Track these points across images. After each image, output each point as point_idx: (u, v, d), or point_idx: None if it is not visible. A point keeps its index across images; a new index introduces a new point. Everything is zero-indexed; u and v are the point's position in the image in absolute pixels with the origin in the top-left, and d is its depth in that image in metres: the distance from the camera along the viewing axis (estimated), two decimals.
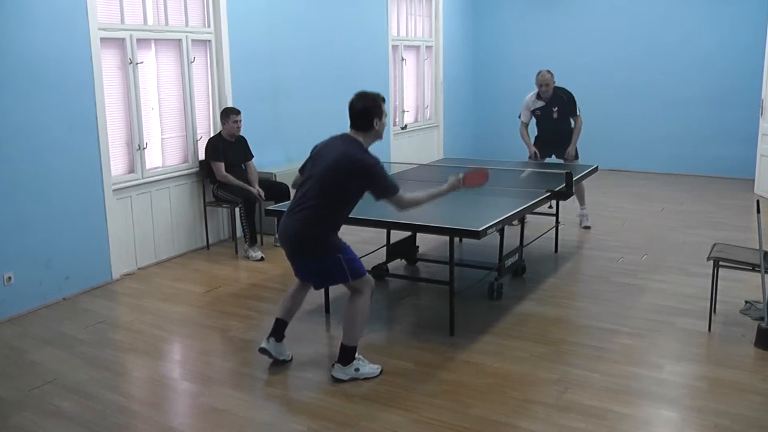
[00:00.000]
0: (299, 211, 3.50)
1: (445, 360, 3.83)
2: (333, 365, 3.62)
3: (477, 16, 10.80)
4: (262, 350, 3.76)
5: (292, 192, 3.77)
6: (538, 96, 6.52)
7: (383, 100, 3.57)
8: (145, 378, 3.81)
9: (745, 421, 3.13)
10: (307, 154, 3.70)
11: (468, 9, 10.63)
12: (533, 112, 6.60)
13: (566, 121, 6.56)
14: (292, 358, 3.86)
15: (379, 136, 3.58)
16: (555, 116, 6.49)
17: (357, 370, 3.59)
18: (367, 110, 3.50)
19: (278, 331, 3.79)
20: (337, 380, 3.58)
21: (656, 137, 9.69)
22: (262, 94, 6.68)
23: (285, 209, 3.73)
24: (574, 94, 6.53)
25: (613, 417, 3.19)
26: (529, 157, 6.62)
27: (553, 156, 6.74)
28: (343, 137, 3.58)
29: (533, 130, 6.76)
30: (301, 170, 3.71)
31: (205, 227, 6.21)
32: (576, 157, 6.63)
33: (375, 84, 8.30)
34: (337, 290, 4.71)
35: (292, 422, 3.22)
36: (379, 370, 3.65)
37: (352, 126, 3.57)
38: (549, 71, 6.45)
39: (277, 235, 3.75)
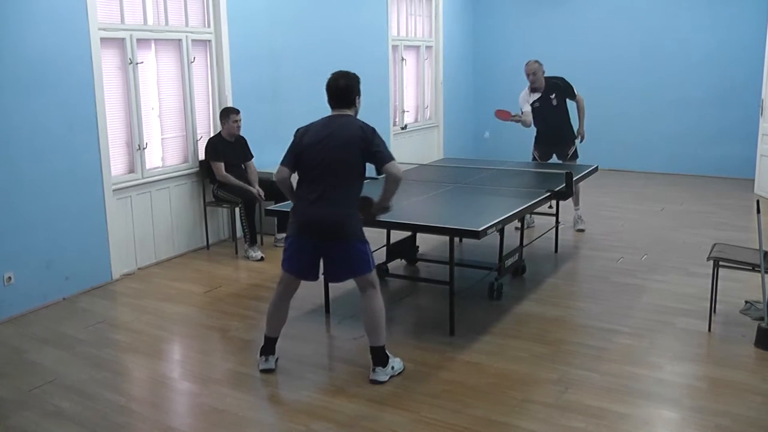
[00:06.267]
0: (329, 196, 3.41)
1: (445, 360, 3.83)
2: (374, 370, 3.53)
3: (477, 16, 10.80)
4: (266, 371, 3.69)
5: (290, 183, 3.62)
6: (532, 89, 6.47)
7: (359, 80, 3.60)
8: (145, 378, 3.81)
9: (745, 421, 3.13)
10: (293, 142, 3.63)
11: (468, 9, 10.63)
12: (532, 105, 6.50)
13: (565, 108, 6.51)
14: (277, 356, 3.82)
15: (357, 113, 3.61)
16: (554, 103, 6.42)
17: (393, 367, 3.60)
18: (350, 88, 3.53)
19: (271, 347, 3.72)
20: (377, 383, 3.51)
21: (656, 137, 9.68)
22: (262, 94, 6.68)
23: (288, 208, 3.69)
24: (567, 80, 6.49)
25: (613, 417, 3.19)
26: (514, 115, 6.40)
27: (554, 156, 6.71)
28: (336, 116, 3.55)
29: (532, 131, 6.69)
30: (288, 162, 3.60)
31: (205, 227, 6.21)
32: (575, 156, 6.61)
33: (375, 84, 8.35)
34: (337, 290, 4.73)
35: (292, 422, 3.22)
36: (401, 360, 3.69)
37: (337, 105, 3.55)
38: (536, 60, 6.41)
39: (297, 225, 3.51)
